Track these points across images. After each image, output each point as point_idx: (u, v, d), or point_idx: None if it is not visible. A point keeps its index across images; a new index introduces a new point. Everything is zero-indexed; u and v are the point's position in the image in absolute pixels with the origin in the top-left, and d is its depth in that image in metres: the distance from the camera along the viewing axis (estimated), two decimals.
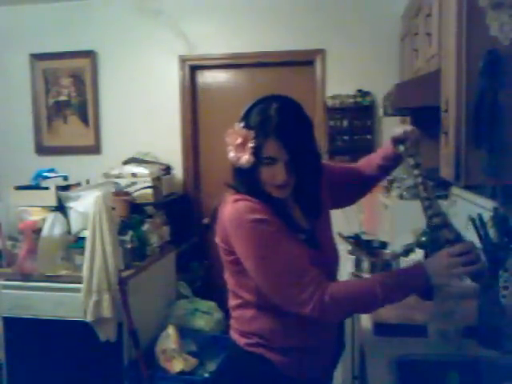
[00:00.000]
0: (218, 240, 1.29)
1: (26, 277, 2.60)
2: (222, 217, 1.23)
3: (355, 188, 1.53)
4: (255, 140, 1.15)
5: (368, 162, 1.50)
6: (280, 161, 1.15)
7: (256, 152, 1.15)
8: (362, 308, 1.23)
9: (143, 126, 3.62)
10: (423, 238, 1.78)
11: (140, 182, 3.04)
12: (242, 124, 1.18)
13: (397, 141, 1.33)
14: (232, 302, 1.33)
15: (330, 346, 1.33)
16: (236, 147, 1.17)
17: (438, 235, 1.18)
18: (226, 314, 2.89)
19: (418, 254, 1.82)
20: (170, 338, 2.64)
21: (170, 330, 2.68)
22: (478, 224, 1.45)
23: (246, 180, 1.20)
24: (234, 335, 1.33)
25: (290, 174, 1.16)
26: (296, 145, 1.14)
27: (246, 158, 1.15)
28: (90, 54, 3.67)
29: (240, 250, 1.18)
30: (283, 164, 1.15)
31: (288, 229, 1.21)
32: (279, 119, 1.14)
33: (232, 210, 1.18)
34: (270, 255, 1.14)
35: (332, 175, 1.41)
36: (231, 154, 1.18)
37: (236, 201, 1.19)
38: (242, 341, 1.29)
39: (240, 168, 1.19)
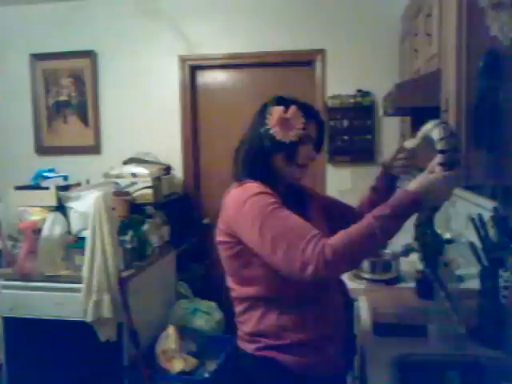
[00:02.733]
0: (219, 236, 1.31)
1: (26, 277, 2.60)
2: (226, 203, 1.29)
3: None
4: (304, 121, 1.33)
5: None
6: (312, 141, 1.38)
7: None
8: (364, 248, 1.17)
9: (143, 126, 3.62)
10: None
11: (140, 182, 3.04)
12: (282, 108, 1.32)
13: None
14: (238, 308, 1.34)
15: (338, 339, 1.33)
16: (282, 122, 1.29)
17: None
18: (226, 314, 2.90)
19: (417, 254, 1.83)
20: (169, 338, 2.64)
21: (170, 330, 2.68)
22: (478, 224, 1.44)
23: (259, 167, 1.31)
24: (242, 344, 1.34)
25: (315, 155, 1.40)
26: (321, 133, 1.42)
27: (295, 132, 1.30)
28: (90, 54, 3.66)
29: (243, 223, 1.22)
30: (313, 145, 1.39)
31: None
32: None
33: (237, 191, 1.27)
34: (271, 219, 1.19)
35: (325, 204, 1.51)
36: (276, 130, 1.30)
37: (241, 184, 1.28)
38: (250, 347, 1.30)
39: (256, 156, 1.32)
